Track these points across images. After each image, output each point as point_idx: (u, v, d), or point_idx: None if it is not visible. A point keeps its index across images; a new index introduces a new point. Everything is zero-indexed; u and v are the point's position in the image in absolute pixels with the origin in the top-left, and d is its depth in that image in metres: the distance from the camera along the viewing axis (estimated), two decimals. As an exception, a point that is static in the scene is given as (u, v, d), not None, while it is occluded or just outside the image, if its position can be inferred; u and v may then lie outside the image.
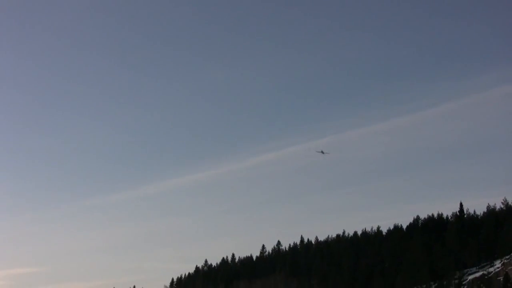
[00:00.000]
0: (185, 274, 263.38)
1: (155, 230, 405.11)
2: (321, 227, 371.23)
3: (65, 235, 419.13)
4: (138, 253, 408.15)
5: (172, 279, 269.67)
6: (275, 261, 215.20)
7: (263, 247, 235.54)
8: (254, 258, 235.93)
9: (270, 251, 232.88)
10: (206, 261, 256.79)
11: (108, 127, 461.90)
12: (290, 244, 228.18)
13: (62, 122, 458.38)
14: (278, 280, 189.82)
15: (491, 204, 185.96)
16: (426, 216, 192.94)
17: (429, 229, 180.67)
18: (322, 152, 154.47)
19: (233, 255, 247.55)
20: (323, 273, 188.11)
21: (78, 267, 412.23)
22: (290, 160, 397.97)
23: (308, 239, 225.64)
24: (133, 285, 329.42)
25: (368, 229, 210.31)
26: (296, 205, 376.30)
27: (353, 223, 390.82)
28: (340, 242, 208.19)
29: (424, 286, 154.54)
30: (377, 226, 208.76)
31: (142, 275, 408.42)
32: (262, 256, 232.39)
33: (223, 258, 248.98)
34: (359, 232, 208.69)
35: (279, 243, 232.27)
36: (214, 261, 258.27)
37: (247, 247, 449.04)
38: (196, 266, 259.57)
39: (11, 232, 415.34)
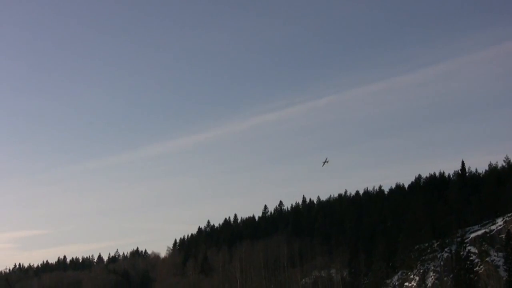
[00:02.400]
0: (187, 235, 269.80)
1: (157, 191, 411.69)
2: (323, 187, 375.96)
3: (69, 197, 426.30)
4: (141, 214, 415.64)
5: (175, 240, 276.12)
6: (278, 222, 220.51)
7: (265, 207, 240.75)
8: (257, 218, 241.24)
9: (272, 212, 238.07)
10: (208, 222, 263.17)
11: (109, 89, 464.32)
12: (292, 204, 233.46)
13: (64, 85, 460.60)
14: (281, 240, 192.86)
15: (493, 162, 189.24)
16: (428, 175, 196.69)
17: (431, 187, 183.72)
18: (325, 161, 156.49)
19: (235, 215, 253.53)
20: (326, 232, 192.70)
21: (82, 229, 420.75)
22: (291, 120, 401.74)
23: (310, 199, 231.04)
24: (136, 247, 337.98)
25: (370, 188, 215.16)
26: (298, 165, 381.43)
27: (355, 182, 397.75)
28: (342, 202, 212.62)
29: (426, 244, 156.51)
30: (379, 185, 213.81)
31: (145, 237, 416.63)
32: (265, 217, 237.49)
33: (226, 219, 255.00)
34: (361, 192, 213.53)
35: (281, 203, 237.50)
36: (217, 222, 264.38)
37: (249, 207, 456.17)
38: (199, 227, 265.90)
39: (16, 195, 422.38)
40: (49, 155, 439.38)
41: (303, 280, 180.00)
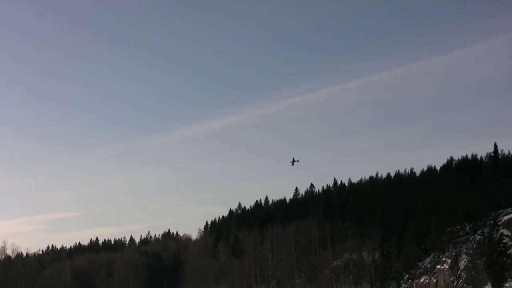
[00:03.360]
0: (219, 217, 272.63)
1: (189, 173, 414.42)
2: (354, 169, 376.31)
3: (101, 179, 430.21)
4: (172, 196, 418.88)
5: (206, 222, 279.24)
6: (309, 204, 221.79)
7: (296, 189, 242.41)
8: (288, 201, 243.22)
9: (304, 194, 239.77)
10: (240, 204, 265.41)
11: (139, 72, 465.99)
12: (323, 187, 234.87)
13: (94, 68, 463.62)
14: (312, 222, 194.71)
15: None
16: (460, 157, 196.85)
17: (463, 170, 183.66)
18: (294, 161, 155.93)
19: (266, 198, 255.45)
20: (357, 215, 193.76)
21: (112, 212, 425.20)
22: (322, 103, 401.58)
23: (341, 181, 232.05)
24: (167, 229, 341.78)
25: (402, 171, 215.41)
26: (329, 147, 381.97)
27: (386, 164, 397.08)
28: (374, 184, 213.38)
29: (459, 227, 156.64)
30: (410, 167, 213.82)
31: (177, 219, 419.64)
32: (296, 199, 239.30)
33: (257, 201, 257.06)
34: (393, 174, 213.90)
35: (312, 185, 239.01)
36: (248, 204, 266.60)
37: (281, 190, 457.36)
38: (230, 209, 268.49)
39: (48, 178, 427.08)
40: (81, 137, 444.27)
41: (334, 262, 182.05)
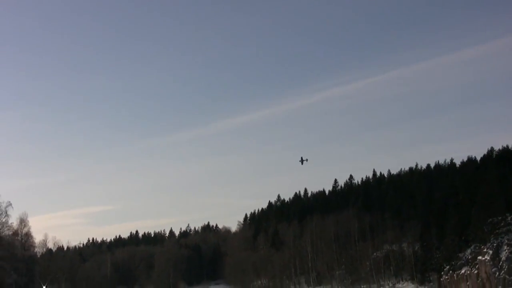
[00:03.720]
0: (258, 210, 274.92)
1: (227, 166, 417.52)
2: (394, 160, 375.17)
3: (138, 173, 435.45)
4: (211, 189, 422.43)
5: (246, 214, 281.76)
6: (348, 196, 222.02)
7: (336, 181, 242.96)
8: (327, 192, 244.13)
9: (343, 186, 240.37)
10: (279, 196, 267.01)
11: (176, 66, 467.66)
12: (362, 178, 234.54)
13: (130, 65, 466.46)
14: (351, 214, 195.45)
15: None
16: (500, 147, 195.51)
17: (504, 160, 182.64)
18: (302, 160, 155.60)
19: (305, 190, 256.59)
20: (396, 206, 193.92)
21: (152, 205, 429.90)
22: (360, 94, 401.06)
23: (380, 173, 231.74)
24: (207, 221, 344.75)
25: (441, 162, 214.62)
26: (368, 138, 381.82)
27: (425, 155, 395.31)
28: (413, 175, 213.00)
29: (500, 218, 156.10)
30: (450, 158, 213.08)
31: (216, 211, 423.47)
32: (335, 191, 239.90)
33: (296, 193, 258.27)
34: (432, 165, 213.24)
35: (351, 177, 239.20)
36: (287, 196, 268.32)
37: (320, 181, 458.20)
38: (269, 201, 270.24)
39: (88, 171, 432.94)
40: (120, 131, 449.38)
41: (374, 254, 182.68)
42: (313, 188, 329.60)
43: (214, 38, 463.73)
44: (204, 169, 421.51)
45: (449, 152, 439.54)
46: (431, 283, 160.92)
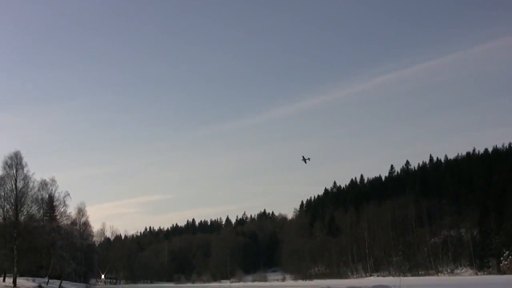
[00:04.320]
0: (314, 197, 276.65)
1: (283, 153, 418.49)
2: (451, 145, 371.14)
3: (194, 162, 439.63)
4: (267, 177, 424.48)
5: (302, 201, 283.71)
6: (404, 182, 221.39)
7: (392, 167, 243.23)
8: (383, 178, 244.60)
9: (399, 171, 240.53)
10: (335, 182, 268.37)
11: (232, 52, 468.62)
12: (419, 164, 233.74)
13: (188, 50, 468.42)
14: (408, 200, 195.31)
15: None
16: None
17: None
18: (305, 159, 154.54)
19: (361, 176, 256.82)
20: (454, 192, 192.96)
21: (207, 193, 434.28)
22: (415, 79, 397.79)
23: (437, 158, 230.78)
24: (263, 209, 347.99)
25: (499, 146, 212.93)
26: (425, 123, 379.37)
27: (483, 140, 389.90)
28: (471, 160, 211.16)
29: None
30: (508, 142, 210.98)
31: (272, 199, 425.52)
32: (391, 177, 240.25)
33: (352, 179, 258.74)
34: (490, 149, 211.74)
35: (408, 162, 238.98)
36: (343, 182, 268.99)
37: (376, 167, 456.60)
38: (325, 188, 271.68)
39: (143, 161, 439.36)
40: (177, 120, 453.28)
41: (432, 239, 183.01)
42: (369, 174, 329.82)
43: (276, 19, 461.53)
44: (261, 156, 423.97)
45: (507, 136, 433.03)
46: (490, 269, 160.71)
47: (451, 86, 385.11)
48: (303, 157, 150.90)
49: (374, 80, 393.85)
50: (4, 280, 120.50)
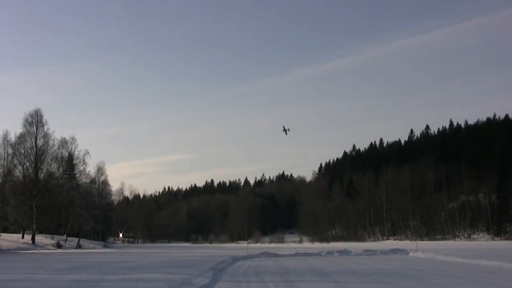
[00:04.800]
0: (333, 159, 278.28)
1: (303, 115, 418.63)
2: (471, 111, 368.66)
3: (214, 122, 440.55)
4: (286, 138, 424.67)
5: (321, 164, 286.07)
6: (424, 146, 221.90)
7: (411, 131, 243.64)
8: (403, 142, 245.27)
9: (419, 136, 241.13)
10: (354, 146, 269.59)
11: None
12: (439, 128, 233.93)
13: (207, 12, 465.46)
14: (427, 165, 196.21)
15: None
16: None
17: None
18: (285, 129, 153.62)
19: (381, 140, 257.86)
20: (473, 157, 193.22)
21: (227, 154, 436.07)
22: (439, 43, 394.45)
23: (457, 123, 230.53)
24: (282, 171, 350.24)
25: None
26: (445, 88, 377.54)
27: (504, 105, 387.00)
28: (491, 126, 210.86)
29: None
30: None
31: (291, 161, 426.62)
32: (411, 141, 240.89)
33: (371, 143, 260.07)
34: (511, 115, 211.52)
35: (427, 127, 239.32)
36: (362, 146, 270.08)
37: (395, 131, 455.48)
38: (344, 151, 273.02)
39: (162, 120, 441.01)
40: (197, 80, 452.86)
41: (450, 204, 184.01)
42: (389, 138, 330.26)
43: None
44: (280, 118, 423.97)
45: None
46: (507, 234, 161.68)
47: (471, 52, 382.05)
48: (283, 127, 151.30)
49: (397, 43, 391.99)
50: (23, 237, 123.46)
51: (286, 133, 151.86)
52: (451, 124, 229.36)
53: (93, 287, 25.29)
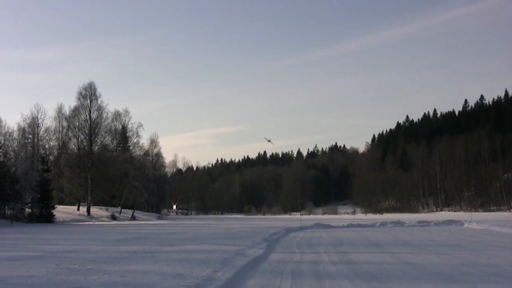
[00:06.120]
0: (386, 130, 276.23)
1: (355, 86, 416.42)
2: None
3: (266, 94, 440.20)
4: (340, 110, 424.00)
5: (374, 135, 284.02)
6: (478, 116, 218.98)
7: (466, 102, 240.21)
8: (457, 113, 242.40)
9: (473, 106, 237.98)
10: (407, 116, 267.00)
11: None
12: (494, 98, 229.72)
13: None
14: (482, 135, 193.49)
15: None
16: None
17: None
18: (268, 140, 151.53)
19: (434, 110, 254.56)
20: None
21: (281, 125, 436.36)
22: (490, 14, 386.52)
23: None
24: (334, 142, 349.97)
25: None
26: (501, 58, 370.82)
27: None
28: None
29: None
30: None
31: (344, 132, 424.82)
32: (465, 111, 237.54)
33: (425, 113, 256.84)
34: None
35: (482, 97, 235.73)
36: (416, 116, 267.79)
37: (449, 102, 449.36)
38: (398, 122, 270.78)
39: (214, 93, 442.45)
40: (249, 52, 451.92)
41: (505, 175, 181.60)
42: (443, 108, 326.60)
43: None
44: (333, 89, 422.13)
45: None
46: None
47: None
48: (265, 138, 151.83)
49: (450, 13, 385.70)
50: (78, 209, 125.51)
51: (270, 141, 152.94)
52: (506, 94, 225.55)
53: (147, 258, 25.58)
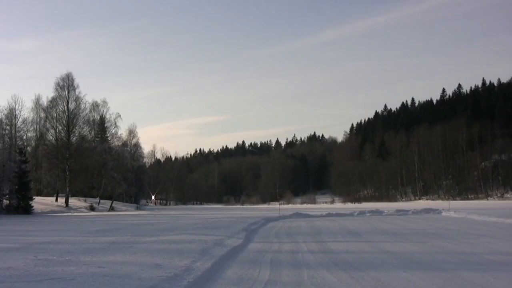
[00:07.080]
0: (364, 120, 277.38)
1: (333, 75, 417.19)
2: (504, 69, 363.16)
3: (245, 84, 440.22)
4: (318, 99, 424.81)
5: (352, 124, 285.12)
6: (456, 105, 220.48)
7: (443, 90, 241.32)
8: (434, 102, 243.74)
9: (451, 95, 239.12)
10: (385, 106, 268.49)
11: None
12: (471, 87, 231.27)
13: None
14: (459, 124, 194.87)
15: None
16: None
17: None
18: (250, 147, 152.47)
19: (412, 99, 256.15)
20: (506, 116, 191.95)
21: (260, 115, 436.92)
22: (468, 2, 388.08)
23: (490, 82, 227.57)
24: (313, 131, 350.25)
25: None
26: (477, 46, 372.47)
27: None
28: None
29: None
30: None
31: (322, 121, 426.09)
32: (443, 100, 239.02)
33: (403, 102, 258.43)
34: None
35: (460, 86, 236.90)
36: (394, 105, 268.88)
37: (427, 91, 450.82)
38: (376, 111, 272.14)
39: (193, 83, 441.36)
40: (228, 42, 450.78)
41: (483, 163, 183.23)
42: (421, 97, 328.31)
43: None
44: (311, 79, 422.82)
45: None
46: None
47: (505, 9, 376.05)
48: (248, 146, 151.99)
49: (429, 2, 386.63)
50: (56, 200, 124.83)
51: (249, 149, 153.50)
52: (483, 83, 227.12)
53: (126, 249, 25.53)
